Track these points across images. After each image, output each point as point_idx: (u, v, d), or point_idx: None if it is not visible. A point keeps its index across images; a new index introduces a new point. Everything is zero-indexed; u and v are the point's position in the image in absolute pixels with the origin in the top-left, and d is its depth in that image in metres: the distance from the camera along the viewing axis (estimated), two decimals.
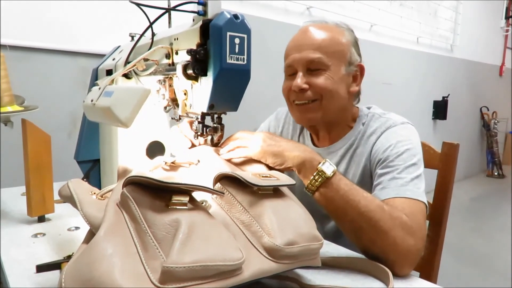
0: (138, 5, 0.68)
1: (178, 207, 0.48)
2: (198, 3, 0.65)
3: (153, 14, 0.71)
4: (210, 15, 0.64)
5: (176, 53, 0.73)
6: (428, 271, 1.00)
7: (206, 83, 0.66)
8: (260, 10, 2.41)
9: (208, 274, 0.43)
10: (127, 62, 0.79)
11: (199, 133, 0.75)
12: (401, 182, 0.77)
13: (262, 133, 0.76)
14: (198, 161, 0.72)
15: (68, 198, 0.55)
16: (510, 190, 4.42)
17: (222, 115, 0.73)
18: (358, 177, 0.90)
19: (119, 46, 1.02)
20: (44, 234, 0.78)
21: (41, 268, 0.61)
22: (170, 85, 0.79)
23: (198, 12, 0.65)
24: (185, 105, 0.74)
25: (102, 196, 0.58)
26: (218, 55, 0.63)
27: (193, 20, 0.67)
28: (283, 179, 0.62)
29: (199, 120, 0.73)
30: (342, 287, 0.59)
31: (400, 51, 3.58)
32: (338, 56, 0.87)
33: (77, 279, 0.41)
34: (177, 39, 0.72)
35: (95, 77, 1.00)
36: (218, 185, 0.61)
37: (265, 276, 0.50)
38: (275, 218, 0.54)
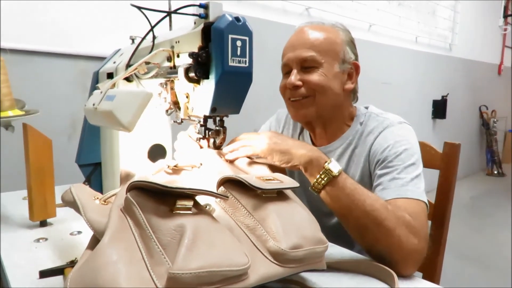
0: (139, 8, 0.68)
1: (182, 211, 0.48)
2: (200, 6, 0.65)
3: (153, 16, 0.71)
4: (211, 17, 0.64)
5: (178, 56, 0.73)
6: (431, 271, 1.00)
7: (208, 86, 0.65)
8: (259, 11, 2.40)
9: (214, 279, 0.42)
10: (128, 65, 0.79)
11: (201, 136, 0.75)
12: (401, 183, 0.77)
13: (268, 132, 0.78)
14: (201, 164, 0.71)
15: (71, 203, 0.55)
16: (510, 189, 4.42)
17: (224, 118, 0.73)
18: (358, 177, 0.90)
19: (119, 49, 1.01)
20: (46, 239, 0.77)
21: (44, 274, 0.60)
22: (172, 88, 0.79)
23: (199, 15, 0.65)
24: (187, 108, 0.74)
25: (105, 201, 0.58)
26: (220, 58, 0.63)
27: (194, 22, 0.67)
28: (287, 181, 0.61)
29: (201, 123, 0.73)
30: None
31: (399, 51, 3.58)
32: (332, 54, 0.88)
33: (82, 286, 0.41)
34: (179, 42, 0.72)
35: (95, 80, 0.99)
36: (222, 188, 0.60)
37: (271, 281, 0.49)
38: (279, 222, 0.53)
